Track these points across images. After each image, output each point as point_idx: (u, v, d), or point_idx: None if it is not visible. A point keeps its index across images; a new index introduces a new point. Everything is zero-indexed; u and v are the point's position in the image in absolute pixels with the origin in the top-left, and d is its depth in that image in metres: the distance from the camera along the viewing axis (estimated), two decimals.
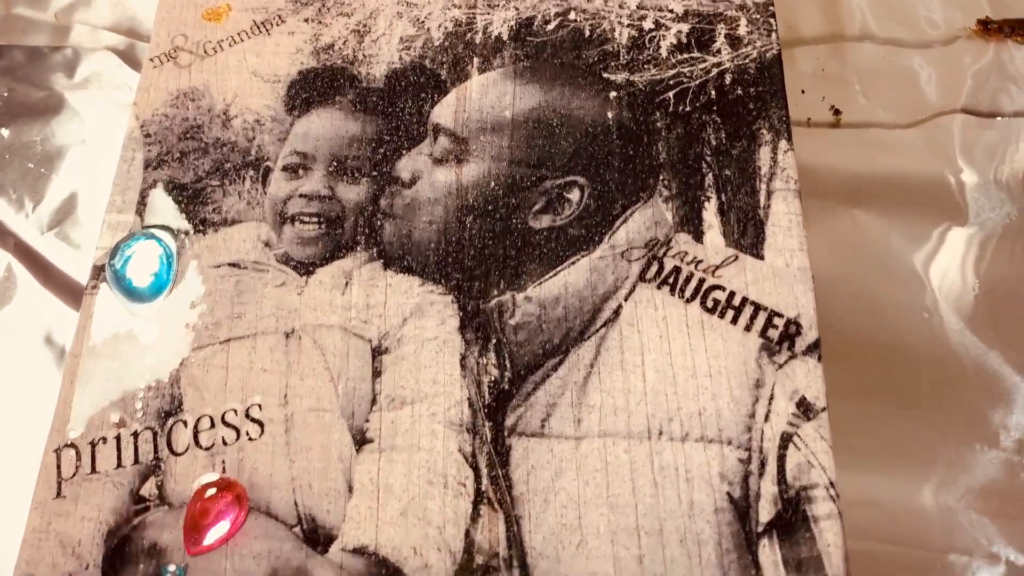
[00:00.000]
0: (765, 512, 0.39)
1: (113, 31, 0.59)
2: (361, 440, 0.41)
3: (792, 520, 0.39)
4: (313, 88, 0.49)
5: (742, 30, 0.50)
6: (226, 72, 0.50)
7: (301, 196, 0.46)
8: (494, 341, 0.43)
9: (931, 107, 0.56)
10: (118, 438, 0.41)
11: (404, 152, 0.47)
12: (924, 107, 0.56)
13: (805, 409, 0.41)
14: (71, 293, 0.51)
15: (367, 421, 0.41)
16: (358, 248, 0.45)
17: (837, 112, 0.56)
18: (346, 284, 0.44)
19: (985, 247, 0.52)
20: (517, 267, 0.44)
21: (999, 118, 0.55)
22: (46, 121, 0.56)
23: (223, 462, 0.40)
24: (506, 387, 0.42)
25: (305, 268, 0.45)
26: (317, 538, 0.39)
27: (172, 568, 0.38)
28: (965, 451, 0.47)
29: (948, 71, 0.57)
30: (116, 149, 0.47)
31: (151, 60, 0.50)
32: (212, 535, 0.39)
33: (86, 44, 0.59)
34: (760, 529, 0.39)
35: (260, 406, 0.41)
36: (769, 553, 0.38)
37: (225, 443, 0.41)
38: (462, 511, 0.39)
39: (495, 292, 0.44)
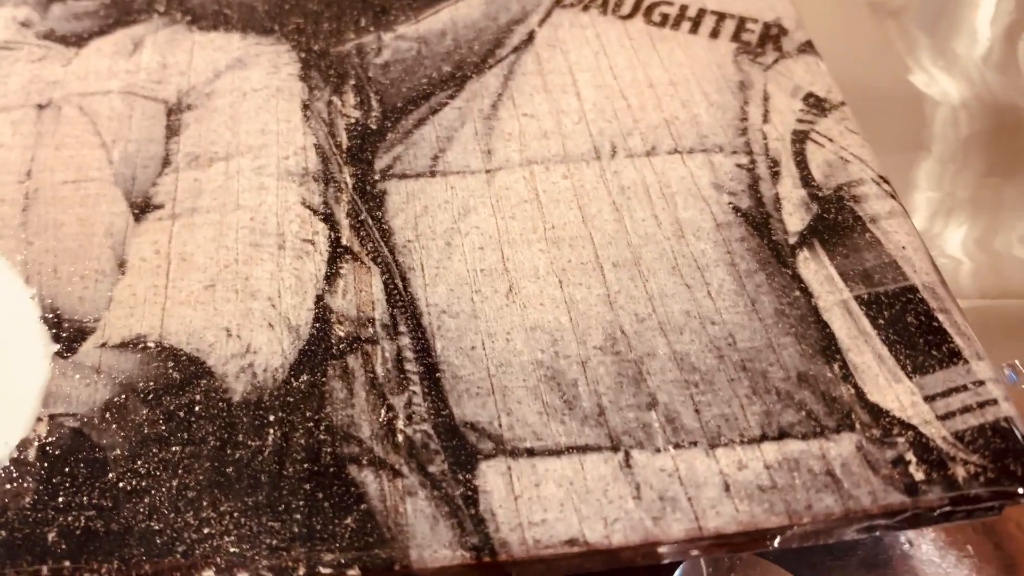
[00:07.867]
0: (796, 220, 0.24)
1: None
2: (144, 207, 0.25)
3: (838, 223, 0.24)
4: None
5: None
6: None
7: None
8: (352, 83, 0.29)
9: None
10: None
11: None
12: None
13: (816, 104, 0.28)
14: None
15: (154, 185, 0.26)
16: (154, 14, 0.32)
17: None
18: (134, 48, 0.30)
19: None
20: (383, 5, 0.31)
21: None
22: None
23: None
24: (373, 127, 0.27)
25: (77, 40, 0.31)
26: (57, 336, 0.22)
27: None
28: None
29: None
30: None
31: None
32: None
33: None
34: (794, 240, 0.24)
35: None
36: (815, 267, 0.23)
37: None
38: (309, 274, 0.24)
39: (351, 35, 0.30)
